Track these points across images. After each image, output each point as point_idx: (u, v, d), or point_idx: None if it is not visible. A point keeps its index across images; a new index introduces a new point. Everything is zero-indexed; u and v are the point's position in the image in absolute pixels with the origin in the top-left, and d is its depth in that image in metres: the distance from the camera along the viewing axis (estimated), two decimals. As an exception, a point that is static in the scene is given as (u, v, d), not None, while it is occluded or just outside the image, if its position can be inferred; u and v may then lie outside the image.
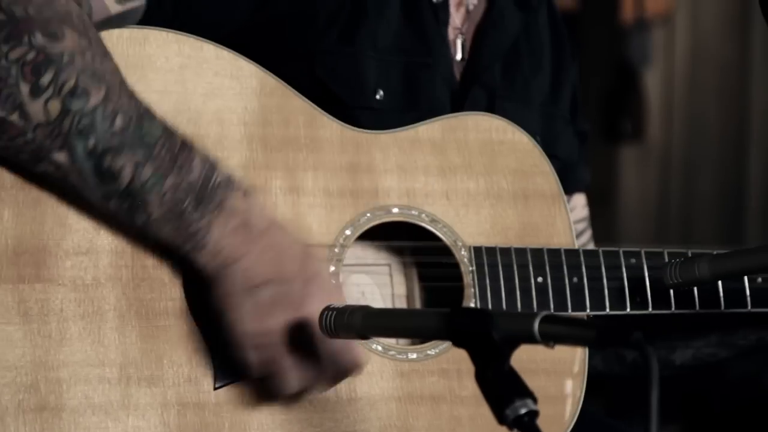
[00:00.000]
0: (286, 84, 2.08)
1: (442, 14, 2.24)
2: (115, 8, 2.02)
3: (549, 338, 1.61)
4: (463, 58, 2.30)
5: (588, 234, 2.51)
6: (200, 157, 1.92)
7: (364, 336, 1.85)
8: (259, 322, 1.93)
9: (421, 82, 2.23)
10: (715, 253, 2.14)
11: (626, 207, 6.11)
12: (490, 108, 2.28)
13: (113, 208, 1.92)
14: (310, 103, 2.09)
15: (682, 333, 2.33)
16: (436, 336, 1.88)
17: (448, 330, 1.69)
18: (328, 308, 1.83)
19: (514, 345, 1.64)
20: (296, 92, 2.09)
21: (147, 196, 1.90)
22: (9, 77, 1.86)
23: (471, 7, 2.31)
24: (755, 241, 6.02)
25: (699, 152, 6.27)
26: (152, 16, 2.06)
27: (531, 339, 1.62)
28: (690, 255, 2.19)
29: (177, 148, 1.90)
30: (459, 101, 2.27)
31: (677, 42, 6.24)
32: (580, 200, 2.49)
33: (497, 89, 2.30)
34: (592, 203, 2.57)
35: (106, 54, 1.92)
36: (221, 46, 2.05)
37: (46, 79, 1.86)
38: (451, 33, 2.28)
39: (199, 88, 2.04)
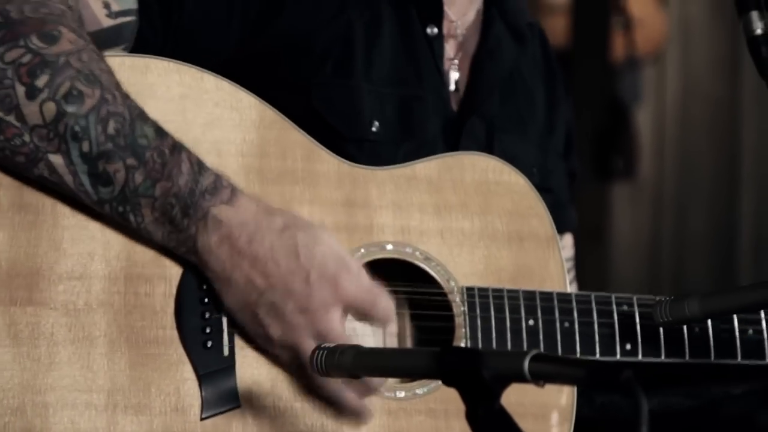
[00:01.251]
0: (285, 117, 2.09)
1: (437, 46, 2.25)
2: (107, 22, 2.03)
3: (539, 377, 1.61)
4: (457, 89, 2.30)
5: (572, 273, 2.52)
6: (189, 162, 1.94)
7: (356, 375, 1.85)
8: (275, 329, 1.96)
9: (415, 113, 2.23)
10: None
11: (618, 244, 6.12)
12: (489, 140, 2.29)
13: (108, 211, 1.94)
14: (309, 137, 2.10)
15: (653, 380, 2.32)
16: (427, 375, 1.88)
17: (439, 369, 1.69)
18: (318, 347, 1.83)
19: (504, 384, 1.64)
20: (295, 126, 2.09)
21: (139, 201, 1.92)
22: (5, 79, 1.87)
23: (461, 38, 2.32)
24: (747, 279, 6.03)
25: (691, 190, 6.29)
26: (145, 36, 2.07)
27: (521, 377, 1.62)
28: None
29: (168, 153, 1.92)
30: (456, 132, 2.28)
31: (668, 80, 6.27)
32: (568, 240, 2.50)
33: (495, 120, 2.30)
34: (584, 240, 2.57)
35: (100, 55, 1.93)
36: (222, 77, 2.06)
37: (41, 81, 1.88)
38: (445, 64, 2.28)
39: (198, 118, 2.05)
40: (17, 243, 1.94)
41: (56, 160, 1.90)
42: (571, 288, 2.39)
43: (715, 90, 6.25)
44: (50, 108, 1.88)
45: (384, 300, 1.99)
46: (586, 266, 2.60)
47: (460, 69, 2.31)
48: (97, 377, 1.95)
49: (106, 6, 2.03)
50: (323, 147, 2.10)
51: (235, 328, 2.00)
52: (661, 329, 2.20)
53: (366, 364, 1.82)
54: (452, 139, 2.26)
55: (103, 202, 1.93)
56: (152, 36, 2.06)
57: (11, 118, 1.89)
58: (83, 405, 1.94)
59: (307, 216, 2.06)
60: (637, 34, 5.88)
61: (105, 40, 2.02)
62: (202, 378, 1.98)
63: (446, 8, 2.27)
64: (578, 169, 2.50)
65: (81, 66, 1.89)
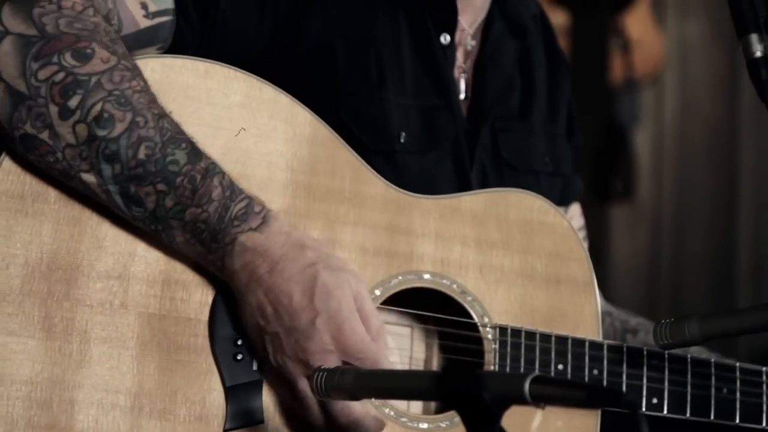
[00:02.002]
0: (338, 136, 2.09)
1: (450, 55, 2.26)
2: (144, 22, 2.04)
3: (539, 399, 1.61)
4: (466, 97, 2.31)
5: (585, 244, 2.52)
6: (221, 187, 1.94)
7: (356, 397, 1.85)
8: (277, 357, 1.96)
9: (437, 124, 2.23)
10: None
11: (617, 265, 6.11)
12: (494, 143, 2.28)
13: (143, 227, 1.96)
14: (359, 157, 2.10)
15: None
16: (428, 397, 1.87)
17: (439, 391, 1.69)
18: (319, 369, 1.83)
19: (504, 406, 1.63)
20: (346, 145, 2.09)
21: (170, 223, 1.94)
22: (39, 97, 1.89)
23: (469, 48, 2.32)
24: (746, 300, 6.02)
25: (689, 211, 6.29)
26: (182, 36, 2.07)
27: (521, 400, 1.61)
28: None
29: (199, 179, 1.93)
30: (470, 140, 2.27)
31: (667, 102, 6.27)
32: (576, 210, 2.50)
33: (496, 122, 2.30)
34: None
35: (133, 71, 1.94)
36: (281, 90, 2.06)
37: (73, 102, 1.89)
38: (456, 71, 2.29)
39: (252, 128, 2.05)
40: (60, 236, 1.95)
41: (89, 178, 1.92)
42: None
43: (713, 111, 6.26)
44: (82, 130, 1.90)
45: (385, 363, 1.97)
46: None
47: (468, 76, 2.31)
48: (125, 379, 1.96)
49: (144, 6, 2.03)
50: (372, 169, 2.10)
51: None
52: (689, 387, 2.20)
53: (366, 386, 1.81)
54: (468, 148, 2.26)
55: (136, 219, 1.96)
56: (189, 34, 2.07)
57: (44, 136, 1.90)
58: (109, 405, 1.95)
59: (349, 237, 2.05)
60: (636, 55, 5.89)
61: (142, 40, 2.03)
62: (229, 390, 1.98)
63: (459, 16, 2.28)
64: (581, 140, 2.51)
65: (112, 87, 1.90)
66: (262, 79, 2.05)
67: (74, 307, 1.95)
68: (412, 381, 1.78)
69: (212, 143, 1.98)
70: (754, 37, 1.91)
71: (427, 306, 2.13)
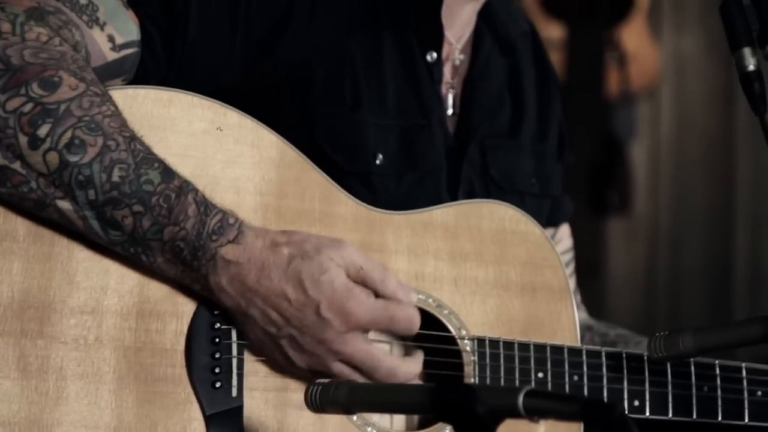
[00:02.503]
0: (305, 157, 2.09)
1: (436, 72, 2.26)
2: (111, 55, 2.04)
3: (533, 412, 1.61)
4: (454, 113, 2.31)
5: (573, 266, 2.52)
6: (195, 203, 1.94)
7: (350, 411, 1.85)
8: (303, 357, 1.98)
9: (418, 143, 2.23)
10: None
11: (614, 279, 6.12)
12: (483, 161, 2.29)
13: (121, 251, 1.96)
14: (328, 178, 2.10)
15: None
16: (422, 410, 1.87)
17: (433, 405, 1.69)
18: (313, 383, 1.83)
19: (498, 419, 1.63)
20: (315, 166, 2.09)
21: (149, 244, 1.94)
22: (8, 128, 1.88)
23: (458, 62, 2.32)
24: (742, 313, 6.03)
25: (686, 224, 6.29)
26: (146, 68, 2.07)
27: (515, 413, 1.62)
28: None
29: (173, 197, 1.93)
30: (457, 157, 2.28)
31: (663, 115, 6.28)
32: (566, 231, 2.50)
33: (485, 139, 2.30)
34: (580, 274, 2.57)
35: (103, 97, 1.93)
36: (245, 114, 2.06)
37: (43, 131, 1.89)
38: (443, 88, 2.29)
39: (219, 154, 2.05)
40: (31, 274, 1.94)
41: (64, 205, 1.92)
42: (570, 282, 2.40)
43: (709, 124, 6.26)
44: (53, 158, 1.89)
45: (400, 312, 2.00)
46: (582, 301, 2.60)
47: (456, 92, 2.31)
48: (104, 414, 1.95)
49: (111, 39, 2.03)
50: (341, 189, 2.10)
51: (256, 360, 2.01)
52: (670, 387, 2.20)
53: (360, 400, 1.82)
54: (454, 165, 2.26)
55: (115, 244, 1.95)
56: (153, 67, 2.06)
57: (16, 166, 1.90)
58: None
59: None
60: (632, 69, 5.90)
61: (110, 73, 2.03)
62: (209, 419, 1.98)
63: (446, 32, 2.28)
64: (572, 159, 2.51)
65: (82, 113, 1.90)
66: (226, 105, 2.05)
67: (49, 344, 1.94)
68: (406, 395, 1.79)
69: (180, 171, 1.98)
70: (746, 51, 1.92)
71: None
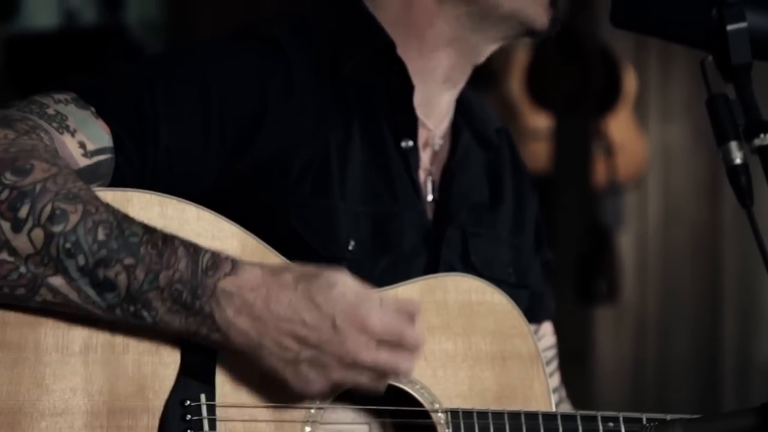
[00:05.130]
0: (266, 244, 2.10)
1: (412, 159, 2.28)
2: (83, 161, 2.05)
3: None
4: (434, 199, 2.33)
5: (556, 362, 2.52)
6: (183, 246, 1.96)
7: None
8: (329, 375, 1.99)
9: (390, 229, 2.24)
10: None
11: (602, 368, 6.11)
12: (464, 247, 2.30)
13: (121, 315, 1.95)
14: (289, 262, 2.12)
15: None
16: None
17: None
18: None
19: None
20: (276, 252, 2.10)
21: (148, 296, 1.93)
22: None
23: (437, 147, 2.35)
24: (731, 404, 6.01)
25: (674, 314, 6.30)
26: (122, 173, 2.08)
27: None
28: (668, 419, 2.19)
29: (161, 243, 1.94)
30: (435, 243, 2.29)
31: (650, 204, 6.32)
32: (548, 328, 2.51)
33: (467, 227, 2.32)
34: (568, 363, 2.58)
35: (76, 178, 1.95)
36: (203, 208, 2.08)
37: (23, 212, 1.90)
38: (421, 174, 2.31)
39: None
40: (0, 381, 1.95)
41: (56, 281, 1.92)
42: (554, 378, 2.39)
43: (696, 214, 6.30)
44: (38, 234, 1.90)
45: (411, 330, 2.02)
46: (570, 389, 2.60)
47: (435, 177, 2.34)
48: None
49: (82, 146, 2.05)
50: None
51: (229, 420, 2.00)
52: None
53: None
54: (432, 250, 2.28)
55: (113, 307, 1.94)
56: (128, 171, 2.08)
57: (4, 255, 1.91)
58: None
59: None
60: (619, 159, 5.95)
61: (82, 179, 2.04)
62: None
63: (424, 118, 2.30)
64: (552, 258, 2.52)
65: (58, 188, 1.92)
66: (182, 200, 2.07)
67: None
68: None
69: None
70: (733, 145, 1.93)
71: (379, 400, 2.14)
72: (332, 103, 2.23)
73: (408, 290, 2.18)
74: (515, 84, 6.04)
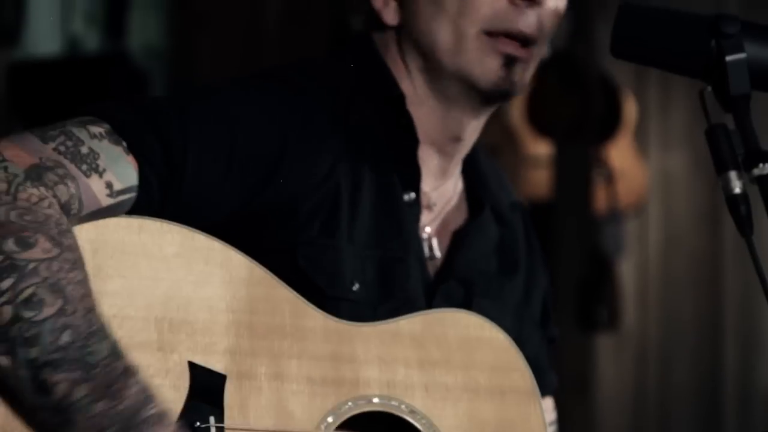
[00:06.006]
0: (273, 275, 2.12)
1: (414, 212, 2.29)
2: (107, 201, 2.06)
3: None
4: (432, 257, 2.34)
5: None
6: (138, 389, 1.93)
7: None
8: None
9: (395, 275, 2.26)
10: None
11: (603, 395, 6.10)
12: (467, 303, 2.31)
13: (41, 418, 1.93)
14: (296, 293, 2.13)
15: None
16: None
17: None
18: None
19: None
20: (282, 283, 2.12)
21: (75, 416, 1.90)
22: None
23: (435, 210, 2.36)
24: (733, 431, 6.01)
25: (675, 341, 6.30)
26: (141, 208, 2.09)
27: None
28: None
29: (116, 374, 1.92)
30: (433, 294, 2.30)
31: (650, 232, 6.32)
32: (549, 404, 2.52)
33: (474, 286, 2.33)
34: (569, 391, 2.59)
35: (75, 263, 1.95)
36: (213, 237, 2.10)
37: (5, 284, 1.90)
38: (422, 230, 2.32)
39: (190, 276, 2.07)
40: None
41: (3, 361, 1.90)
42: None
43: (697, 242, 6.31)
44: (7, 311, 1.89)
45: None
46: (571, 416, 2.61)
47: (436, 238, 2.35)
48: None
49: (109, 186, 2.06)
50: (310, 303, 2.14)
51: None
52: None
53: None
54: (430, 301, 2.29)
55: (39, 409, 1.92)
56: (147, 207, 2.09)
57: None
58: None
59: (295, 369, 2.08)
60: (619, 186, 5.96)
61: (102, 217, 2.05)
62: None
63: (423, 177, 2.31)
64: (557, 334, 2.53)
65: (48, 274, 1.91)
66: (193, 229, 2.09)
67: None
68: None
69: (153, 293, 2.01)
70: (733, 174, 1.94)
71: (379, 430, 2.15)
72: (345, 148, 2.24)
73: (409, 323, 2.19)
74: (516, 111, 6.06)
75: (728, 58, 1.98)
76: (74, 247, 1.97)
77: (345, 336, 2.15)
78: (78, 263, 1.95)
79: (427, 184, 2.33)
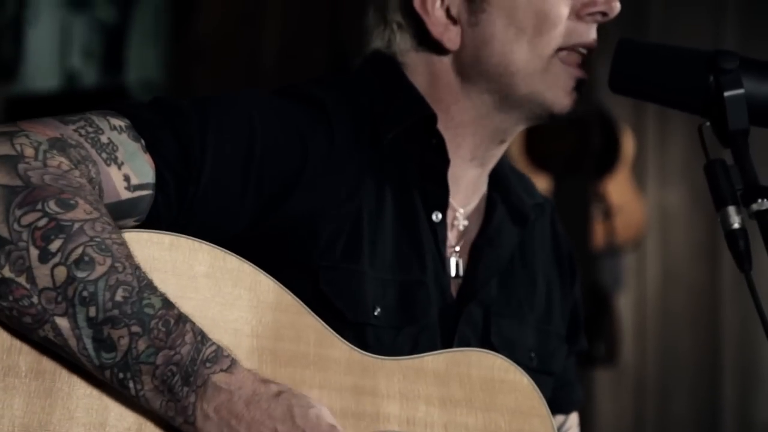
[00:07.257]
0: (301, 302, 2.11)
1: (440, 232, 2.28)
2: (125, 194, 2.07)
3: None
4: (457, 275, 2.33)
5: None
6: (192, 332, 1.96)
7: None
8: None
9: (416, 299, 2.25)
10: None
11: (602, 430, 6.09)
12: (486, 325, 2.30)
13: (108, 377, 1.95)
14: (322, 322, 2.12)
15: None
16: None
17: None
18: None
19: None
20: (309, 310, 2.12)
21: (140, 368, 1.94)
22: (20, 241, 1.90)
23: (462, 227, 2.35)
24: (731, 467, 5.99)
25: (673, 375, 6.29)
26: (158, 211, 2.10)
27: None
28: None
29: (172, 323, 1.95)
30: (454, 317, 2.29)
31: (648, 267, 6.32)
32: (575, 419, 2.50)
33: (492, 305, 2.32)
34: (566, 426, 2.58)
35: (114, 227, 1.97)
36: (244, 260, 2.09)
37: (54, 245, 1.91)
38: (447, 250, 2.31)
39: (217, 297, 2.07)
40: (32, 410, 1.95)
41: (62, 323, 1.93)
42: None
43: (695, 276, 6.30)
44: (61, 272, 1.91)
45: None
46: (570, 453, 2.61)
47: (460, 256, 2.34)
48: None
49: (127, 179, 2.07)
50: (335, 333, 2.13)
51: None
52: None
53: None
54: (450, 325, 2.28)
55: (104, 368, 1.95)
56: (165, 210, 2.10)
57: (21, 280, 1.91)
58: None
59: (316, 399, 2.07)
60: (617, 221, 5.96)
61: (121, 212, 2.06)
62: None
63: (450, 198, 2.31)
64: (586, 346, 2.51)
65: (94, 234, 1.94)
66: (225, 250, 2.08)
67: None
68: None
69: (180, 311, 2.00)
70: (731, 209, 1.95)
71: None
72: (367, 169, 2.24)
73: (434, 361, 2.18)
74: (514, 146, 6.06)
75: (727, 93, 1.98)
76: (109, 215, 1.98)
77: (368, 369, 2.13)
78: (116, 229, 1.97)
79: (457, 201, 2.32)
